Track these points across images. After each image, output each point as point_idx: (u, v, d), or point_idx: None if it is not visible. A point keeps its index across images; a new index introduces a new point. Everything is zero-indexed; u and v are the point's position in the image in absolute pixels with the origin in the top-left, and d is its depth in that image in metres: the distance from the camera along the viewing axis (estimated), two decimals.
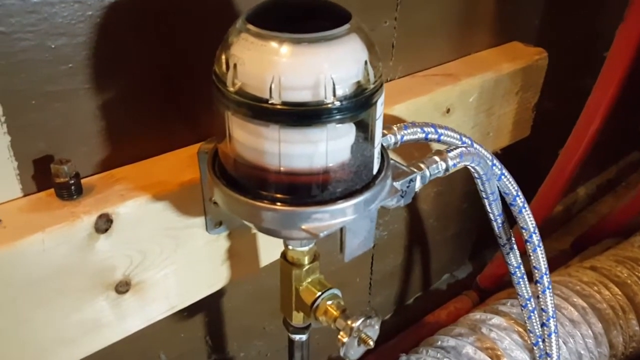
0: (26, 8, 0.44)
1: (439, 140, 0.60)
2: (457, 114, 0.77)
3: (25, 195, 0.50)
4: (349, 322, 0.51)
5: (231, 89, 0.41)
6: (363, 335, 0.51)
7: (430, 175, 0.54)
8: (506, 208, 0.69)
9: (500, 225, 0.70)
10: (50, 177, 0.49)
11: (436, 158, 0.55)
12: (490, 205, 0.67)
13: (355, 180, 0.45)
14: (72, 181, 0.48)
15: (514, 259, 0.74)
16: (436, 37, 0.78)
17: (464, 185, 1.01)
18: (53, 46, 0.46)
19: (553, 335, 0.77)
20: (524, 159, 0.98)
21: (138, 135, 0.55)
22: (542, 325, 0.77)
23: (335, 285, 0.55)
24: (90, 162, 0.53)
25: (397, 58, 0.74)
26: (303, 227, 0.44)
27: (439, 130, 0.59)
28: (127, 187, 0.51)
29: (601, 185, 1.43)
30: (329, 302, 0.54)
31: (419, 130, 0.58)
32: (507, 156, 0.93)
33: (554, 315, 0.76)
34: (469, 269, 1.18)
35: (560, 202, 1.33)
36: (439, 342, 0.85)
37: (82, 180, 0.51)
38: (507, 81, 0.81)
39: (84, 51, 0.48)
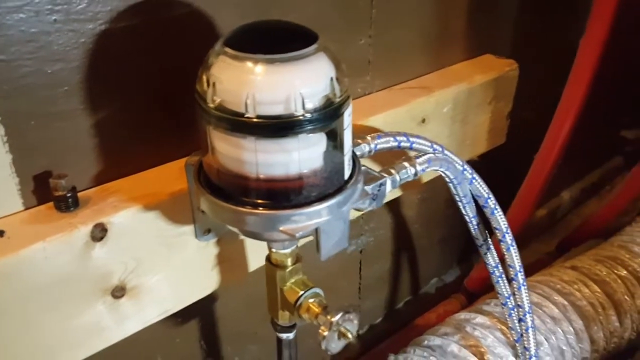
0: (25, 37, 0.49)
1: (411, 148, 0.64)
2: (433, 123, 0.82)
3: (26, 209, 0.55)
4: (329, 317, 0.55)
5: (211, 105, 0.46)
6: (342, 329, 0.55)
7: (400, 179, 0.58)
8: (482, 210, 0.73)
9: (476, 226, 0.75)
10: (49, 191, 0.53)
11: (405, 164, 0.59)
12: (464, 207, 0.72)
13: (328, 185, 0.50)
14: (69, 194, 0.53)
15: (492, 258, 0.78)
16: (411, 52, 0.83)
17: (447, 191, 1.05)
18: (50, 71, 0.51)
19: (530, 330, 0.81)
20: (502, 165, 1.03)
21: (131, 151, 0.59)
22: (520, 320, 0.81)
23: (324, 290, 0.59)
24: (87, 176, 0.58)
25: (374, 73, 0.79)
26: (281, 228, 0.49)
27: (411, 139, 0.64)
28: (121, 199, 0.56)
29: (585, 189, 1.48)
30: (311, 300, 0.58)
31: (391, 139, 0.63)
32: (485, 163, 0.98)
33: (530, 311, 0.80)
34: (457, 273, 1.22)
35: (545, 205, 1.37)
36: (426, 342, 0.89)
37: (79, 194, 0.55)
38: (480, 92, 0.86)
39: (79, 75, 0.53)
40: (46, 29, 0.50)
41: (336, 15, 0.70)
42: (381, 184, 0.56)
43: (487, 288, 1.11)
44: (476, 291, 1.12)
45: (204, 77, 0.47)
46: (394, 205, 0.98)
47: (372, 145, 0.61)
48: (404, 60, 0.82)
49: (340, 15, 0.71)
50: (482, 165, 0.95)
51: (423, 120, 0.80)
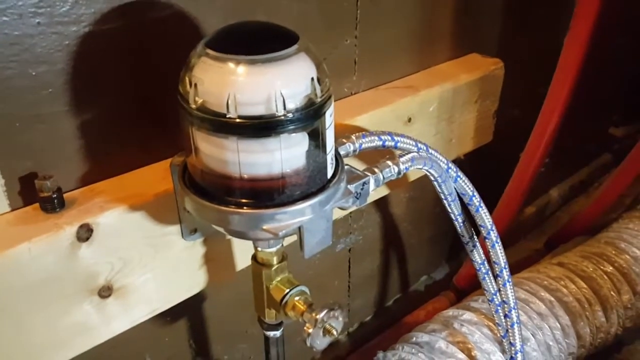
0: (9, 40, 0.49)
1: (395, 147, 0.65)
2: (419, 123, 0.82)
3: (12, 210, 0.55)
4: (314, 314, 0.56)
5: (193, 106, 0.46)
6: (327, 326, 0.56)
7: (384, 178, 0.59)
8: (467, 208, 0.74)
9: (461, 224, 0.75)
10: (35, 193, 0.54)
11: (389, 162, 0.60)
12: (449, 205, 0.72)
13: (310, 184, 0.50)
14: (55, 195, 0.53)
15: (478, 255, 0.79)
16: (397, 52, 0.84)
17: (434, 190, 1.06)
18: (34, 73, 0.51)
19: (516, 326, 0.82)
20: (489, 164, 1.04)
21: (116, 152, 0.60)
22: (505, 316, 0.82)
23: (314, 288, 0.60)
24: (73, 177, 0.58)
25: (360, 73, 0.80)
26: (265, 227, 0.49)
27: (396, 138, 0.64)
28: (106, 199, 0.56)
29: (574, 187, 1.49)
30: (297, 298, 0.58)
31: (376, 138, 0.63)
32: (472, 161, 0.99)
33: (516, 307, 0.81)
34: (446, 270, 1.23)
35: (534, 203, 1.38)
36: (414, 339, 0.90)
37: (65, 195, 0.55)
38: (465, 91, 0.87)
39: (63, 77, 0.53)
40: (30, 31, 0.50)
41: (321, 16, 0.71)
42: (364, 183, 0.56)
43: (476, 285, 1.11)
44: (465, 288, 1.13)
45: (186, 78, 0.47)
46: (382, 204, 0.99)
47: (357, 145, 0.61)
48: (389, 60, 0.83)
49: (325, 16, 0.71)
50: (469, 164, 0.96)
51: (409, 120, 0.81)
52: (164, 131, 0.62)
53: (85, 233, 0.54)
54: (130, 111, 0.59)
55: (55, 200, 0.53)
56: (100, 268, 0.56)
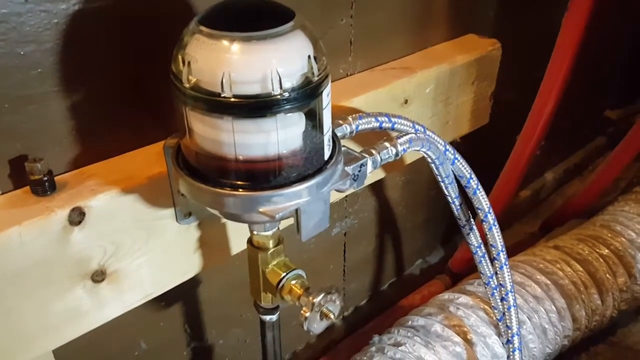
0: None
1: (392, 129, 0.64)
2: (415, 104, 0.81)
3: (2, 194, 0.54)
4: (311, 298, 0.55)
5: (187, 85, 0.45)
6: (324, 310, 0.55)
7: (382, 160, 0.58)
8: (464, 191, 0.73)
9: (458, 207, 0.75)
10: (25, 175, 0.52)
11: (387, 144, 0.59)
12: (446, 188, 0.72)
13: (307, 166, 0.49)
14: (46, 178, 0.52)
15: (474, 239, 0.79)
16: (393, 32, 0.82)
17: (430, 173, 1.05)
18: (22, 53, 0.50)
19: (512, 309, 0.82)
20: (485, 146, 1.03)
21: (107, 134, 0.58)
22: (502, 299, 0.82)
23: (309, 272, 0.59)
24: (64, 160, 0.57)
25: (355, 54, 0.78)
26: (260, 210, 0.48)
27: (393, 119, 0.63)
28: (98, 182, 0.55)
29: (568, 170, 1.49)
30: (293, 282, 0.58)
31: (373, 119, 0.62)
32: (468, 144, 0.98)
33: (512, 290, 0.81)
34: (441, 254, 1.23)
35: (529, 186, 1.38)
36: (410, 322, 0.90)
37: (56, 178, 0.54)
38: (462, 72, 0.86)
39: (52, 56, 0.52)
40: (17, 9, 0.48)
41: None
42: (362, 165, 0.56)
43: (471, 269, 1.11)
44: (460, 272, 1.13)
45: (179, 57, 0.46)
46: (377, 188, 0.98)
47: (354, 126, 0.60)
48: (385, 41, 0.82)
49: None
50: (465, 146, 0.95)
51: (405, 101, 0.79)
52: (156, 112, 0.60)
53: (77, 216, 0.52)
54: (121, 92, 0.58)
55: (46, 183, 0.52)
56: (92, 252, 0.55)
